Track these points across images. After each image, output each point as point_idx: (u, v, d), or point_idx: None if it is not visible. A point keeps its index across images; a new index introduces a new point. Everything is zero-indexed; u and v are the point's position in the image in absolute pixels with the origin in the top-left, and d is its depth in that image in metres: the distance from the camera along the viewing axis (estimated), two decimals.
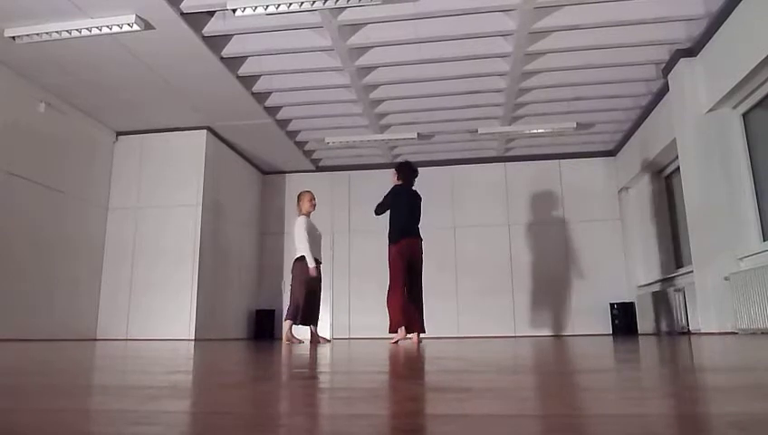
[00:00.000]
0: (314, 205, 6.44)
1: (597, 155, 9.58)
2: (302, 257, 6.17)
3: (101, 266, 7.90)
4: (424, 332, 5.52)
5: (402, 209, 5.50)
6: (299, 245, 6.11)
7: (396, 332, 5.30)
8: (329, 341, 6.35)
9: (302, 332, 7.16)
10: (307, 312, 6.13)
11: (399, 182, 5.74)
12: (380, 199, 5.70)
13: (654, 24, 5.90)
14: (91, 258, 7.72)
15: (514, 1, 5.31)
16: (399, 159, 9.89)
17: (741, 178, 5.92)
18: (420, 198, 5.77)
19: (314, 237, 6.33)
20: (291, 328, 6.11)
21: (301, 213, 6.51)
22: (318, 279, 6.26)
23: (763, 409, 0.79)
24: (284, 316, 6.13)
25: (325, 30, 5.77)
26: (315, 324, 6.26)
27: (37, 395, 1.04)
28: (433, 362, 2.10)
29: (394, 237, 5.46)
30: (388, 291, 5.41)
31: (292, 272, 6.30)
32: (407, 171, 5.73)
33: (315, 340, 6.27)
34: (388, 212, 5.63)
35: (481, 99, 7.57)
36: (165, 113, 7.77)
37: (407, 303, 5.36)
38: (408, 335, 5.39)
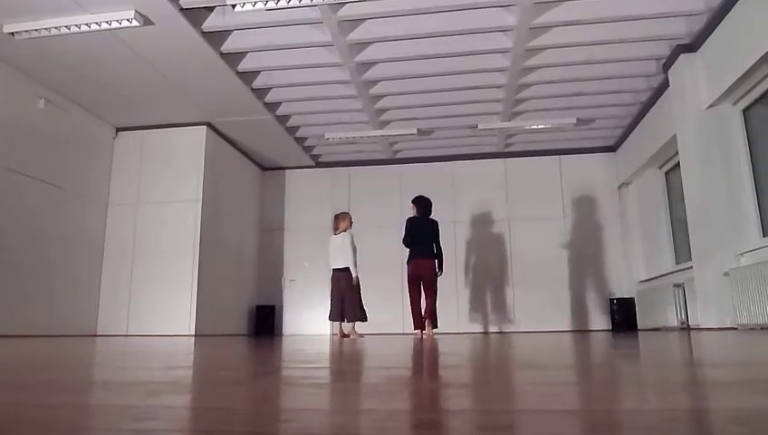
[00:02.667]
0: (352, 223, 7.08)
1: (597, 151, 9.58)
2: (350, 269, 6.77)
3: (102, 262, 7.90)
4: (437, 327, 6.57)
5: (413, 236, 6.59)
6: (352, 258, 6.75)
7: (420, 328, 6.54)
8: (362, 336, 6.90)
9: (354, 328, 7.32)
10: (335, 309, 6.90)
11: (415, 214, 6.73)
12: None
13: (654, 20, 5.88)
14: (92, 254, 7.72)
15: None
16: (399, 156, 9.92)
17: (741, 173, 5.92)
18: (435, 224, 6.73)
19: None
20: (354, 327, 6.83)
21: (339, 230, 6.92)
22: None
23: (763, 403, 0.79)
24: (348, 319, 6.77)
25: (325, 25, 5.76)
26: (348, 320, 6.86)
27: (38, 391, 1.05)
28: (434, 359, 2.10)
29: (408, 259, 6.68)
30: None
31: (347, 281, 6.79)
32: (420, 204, 6.75)
33: (344, 335, 6.90)
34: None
35: (481, 94, 7.56)
36: (164, 109, 7.76)
37: (418, 308, 6.53)
38: (423, 332, 6.54)
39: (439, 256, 6.68)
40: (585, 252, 9.25)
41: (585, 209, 9.40)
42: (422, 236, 6.59)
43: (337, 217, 7.02)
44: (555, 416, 0.72)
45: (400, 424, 0.68)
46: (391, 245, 9.51)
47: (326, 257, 7.14)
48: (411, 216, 6.75)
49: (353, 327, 6.81)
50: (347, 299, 6.68)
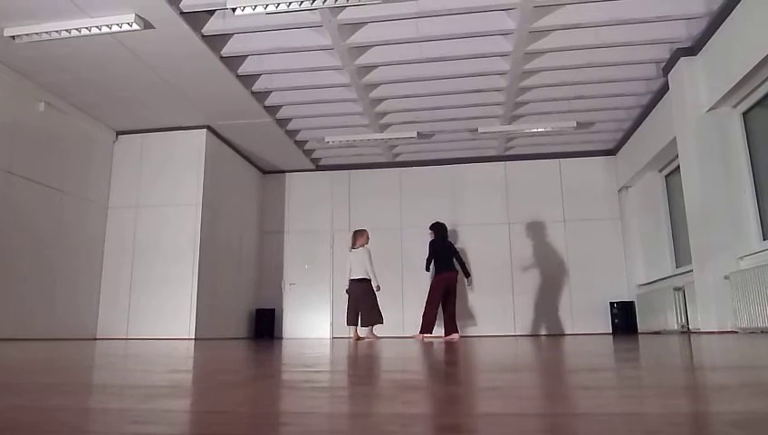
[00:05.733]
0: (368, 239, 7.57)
1: (597, 154, 9.58)
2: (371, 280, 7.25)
3: (101, 266, 7.90)
4: (457, 332, 7.34)
5: (439, 255, 7.44)
6: (371, 270, 7.26)
7: (429, 333, 7.25)
8: (377, 338, 7.42)
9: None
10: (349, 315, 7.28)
11: (432, 237, 7.55)
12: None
13: (654, 23, 5.89)
14: (91, 257, 7.72)
15: (514, 0, 5.31)
16: (399, 159, 9.93)
17: (741, 177, 5.92)
18: (453, 246, 7.60)
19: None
20: (372, 330, 7.33)
21: (357, 245, 7.39)
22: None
23: (763, 407, 0.79)
24: (363, 324, 7.22)
25: (325, 29, 5.77)
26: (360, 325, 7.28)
27: (37, 393, 1.04)
28: (436, 362, 2.10)
29: (436, 272, 7.43)
30: (426, 304, 7.32)
31: (362, 290, 7.23)
32: (437, 230, 7.58)
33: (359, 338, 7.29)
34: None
35: (481, 98, 7.57)
36: (165, 112, 7.77)
37: (435, 315, 7.26)
38: (449, 337, 7.16)
39: (462, 265, 7.55)
40: (585, 255, 9.25)
41: (585, 212, 9.40)
42: (445, 255, 7.44)
43: (355, 234, 7.52)
44: (555, 419, 0.72)
45: (404, 428, 0.68)
46: (391, 248, 9.51)
47: (343, 269, 7.77)
48: (431, 240, 7.55)
49: (371, 331, 7.28)
50: (363, 306, 7.18)
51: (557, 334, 8.64)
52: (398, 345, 4.45)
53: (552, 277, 9.23)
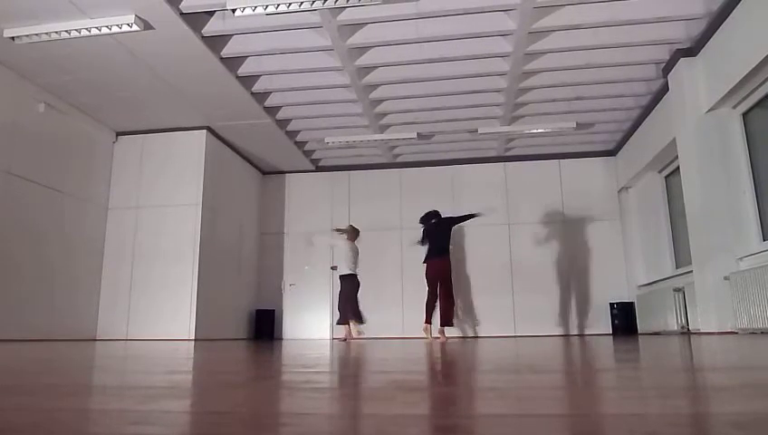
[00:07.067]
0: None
1: (597, 155, 9.58)
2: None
3: (101, 266, 7.89)
4: (452, 325, 7.11)
5: (428, 242, 7.36)
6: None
7: (428, 323, 7.04)
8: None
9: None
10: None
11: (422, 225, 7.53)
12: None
13: (654, 24, 5.89)
14: (91, 258, 7.71)
15: (514, 1, 5.31)
16: (399, 160, 9.93)
17: (741, 177, 5.92)
18: (444, 222, 7.37)
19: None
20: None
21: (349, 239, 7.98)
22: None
23: (763, 408, 0.79)
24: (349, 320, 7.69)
25: (325, 30, 5.77)
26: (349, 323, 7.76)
27: (38, 394, 1.04)
28: (436, 363, 2.10)
29: (425, 259, 7.25)
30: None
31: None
32: (424, 219, 7.55)
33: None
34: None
35: (481, 98, 7.57)
36: (165, 113, 7.77)
37: (432, 306, 7.08)
38: (435, 335, 7.15)
39: (466, 217, 7.52)
40: (585, 256, 9.25)
41: (585, 213, 9.40)
42: (434, 240, 7.24)
43: (353, 229, 8.11)
44: (557, 420, 0.72)
45: (403, 429, 0.68)
46: (391, 248, 9.52)
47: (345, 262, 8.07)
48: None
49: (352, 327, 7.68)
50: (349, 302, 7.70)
51: (557, 335, 8.64)
52: (399, 346, 4.45)
53: (551, 278, 9.22)
